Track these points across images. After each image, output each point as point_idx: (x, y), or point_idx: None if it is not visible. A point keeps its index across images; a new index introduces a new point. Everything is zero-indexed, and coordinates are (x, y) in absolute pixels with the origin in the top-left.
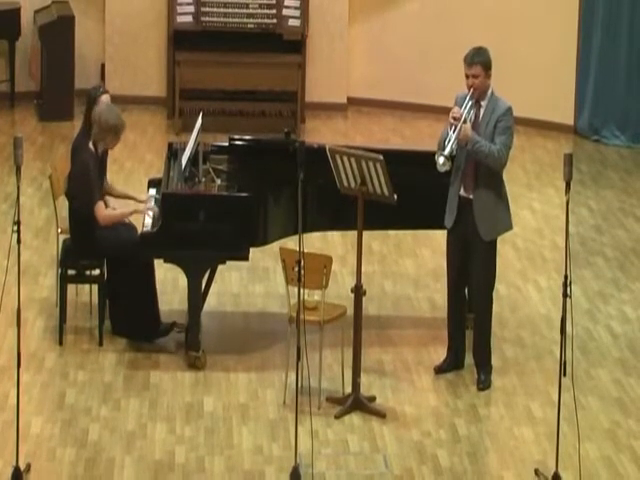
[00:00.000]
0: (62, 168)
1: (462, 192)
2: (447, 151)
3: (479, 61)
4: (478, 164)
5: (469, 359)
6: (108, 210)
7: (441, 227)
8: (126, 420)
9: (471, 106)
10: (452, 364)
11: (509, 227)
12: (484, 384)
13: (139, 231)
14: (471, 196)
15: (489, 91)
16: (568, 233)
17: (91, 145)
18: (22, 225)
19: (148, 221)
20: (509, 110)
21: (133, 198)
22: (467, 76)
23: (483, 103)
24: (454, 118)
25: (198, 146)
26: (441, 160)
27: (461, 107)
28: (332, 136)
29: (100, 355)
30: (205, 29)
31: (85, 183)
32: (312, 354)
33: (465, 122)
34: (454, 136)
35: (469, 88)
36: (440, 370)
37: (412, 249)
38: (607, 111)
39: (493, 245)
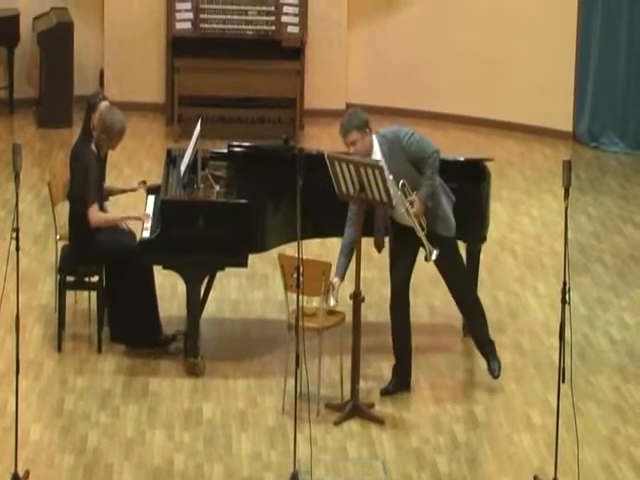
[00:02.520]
0: (61, 174)
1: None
2: (434, 255)
3: (353, 126)
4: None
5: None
6: (101, 213)
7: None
8: (125, 427)
9: (402, 193)
10: (398, 386)
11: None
12: (497, 372)
13: (138, 237)
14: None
15: (375, 143)
16: (567, 239)
17: (93, 147)
18: (21, 232)
19: (147, 226)
20: (400, 134)
21: (125, 190)
22: (347, 145)
23: (377, 156)
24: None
25: (197, 153)
26: (434, 255)
27: None
28: (331, 143)
29: (99, 362)
30: (204, 36)
31: (85, 183)
32: (311, 361)
33: (412, 205)
34: (422, 235)
35: (355, 152)
36: (387, 392)
37: None
38: (606, 118)
39: (454, 241)
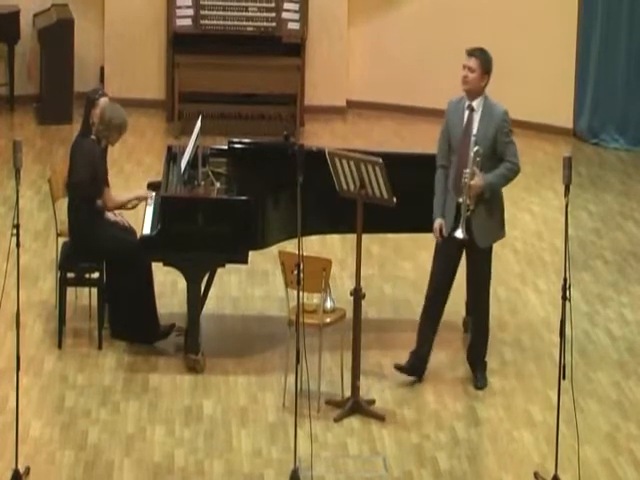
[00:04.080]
0: (61, 171)
1: (461, 199)
2: (461, 233)
3: (478, 56)
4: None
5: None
6: (115, 197)
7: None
8: (125, 423)
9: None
10: (413, 371)
11: (503, 234)
12: (482, 382)
13: (138, 234)
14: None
15: (482, 95)
16: (567, 236)
17: (93, 137)
18: (21, 228)
19: (147, 225)
20: (506, 114)
21: (138, 198)
22: (464, 67)
23: (476, 107)
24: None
25: (197, 149)
26: (460, 235)
27: (453, 113)
28: (331, 139)
29: (99, 358)
30: (204, 32)
31: (93, 170)
32: (311, 357)
33: (472, 177)
34: (464, 214)
35: (463, 81)
36: (401, 369)
37: (411, 252)
38: (606, 114)
39: (490, 251)
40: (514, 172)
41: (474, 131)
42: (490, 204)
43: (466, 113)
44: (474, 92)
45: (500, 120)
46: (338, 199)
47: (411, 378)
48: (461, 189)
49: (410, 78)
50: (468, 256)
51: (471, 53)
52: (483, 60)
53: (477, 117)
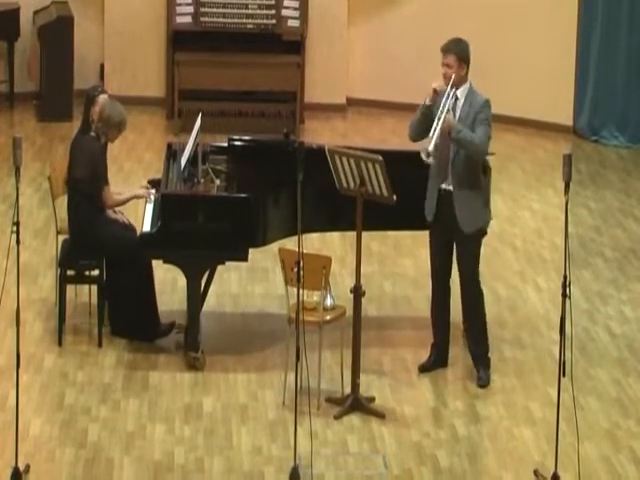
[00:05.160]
0: (61, 168)
1: (443, 185)
2: (431, 146)
3: (453, 51)
4: (457, 157)
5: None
6: (114, 195)
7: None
8: (125, 420)
9: (452, 96)
10: (436, 363)
11: (487, 224)
12: (484, 381)
13: (138, 231)
14: (450, 187)
15: (466, 84)
16: (567, 233)
17: (93, 134)
18: (21, 226)
19: (147, 222)
20: (487, 103)
21: (137, 196)
22: (442, 65)
23: (460, 95)
24: (435, 90)
25: (197, 147)
26: (424, 156)
27: (440, 100)
28: (331, 137)
29: (99, 356)
30: (204, 29)
31: (94, 167)
32: (311, 355)
33: (448, 112)
34: (438, 127)
35: (443, 77)
36: (424, 369)
37: (411, 249)
38: (606, 112)
39: (477, 237)
40: (481, 144)
41: (456, 119)
42: (472, 189)
43: (450, 101)
44: (457, 82)
45: (479, 106)
46: (338, 196)
47: (413, 377)
48: (444, 173)
49: (410, 76)
50: (456, 247)
51: (446, 50)
52: (459, 52)
53: (460, 105)
